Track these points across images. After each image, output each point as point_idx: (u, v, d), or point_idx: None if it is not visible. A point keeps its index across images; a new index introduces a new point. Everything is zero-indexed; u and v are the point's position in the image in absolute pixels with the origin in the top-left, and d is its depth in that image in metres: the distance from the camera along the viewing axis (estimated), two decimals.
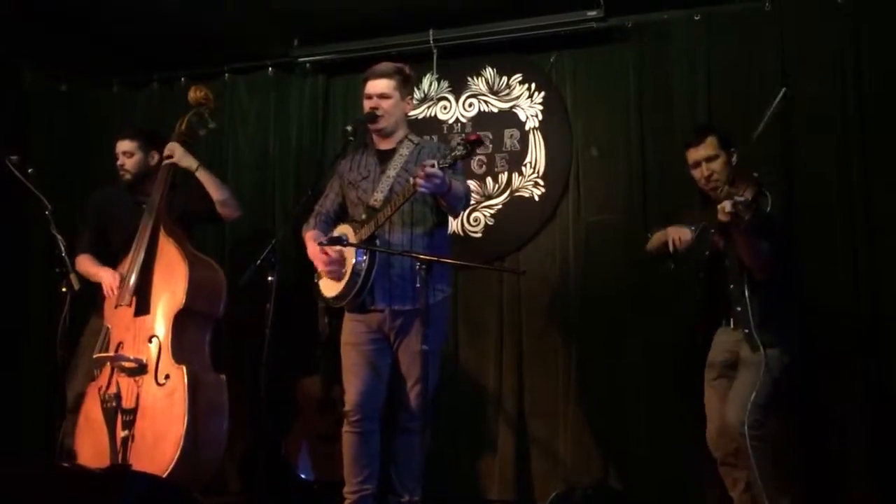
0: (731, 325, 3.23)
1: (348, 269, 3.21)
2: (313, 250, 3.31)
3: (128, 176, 3.88)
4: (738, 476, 3.20)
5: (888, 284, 3.63)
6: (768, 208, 3.04)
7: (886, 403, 3.57)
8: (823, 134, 3.79)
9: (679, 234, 3.18)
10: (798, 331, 3.21)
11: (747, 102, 3.84)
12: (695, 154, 3.27)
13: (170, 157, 3.75)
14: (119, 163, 3.89)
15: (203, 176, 3.78)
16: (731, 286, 3.18)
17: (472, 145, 2.96)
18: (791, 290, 3.22)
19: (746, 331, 3.12)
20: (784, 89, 3.15)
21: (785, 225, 3.20)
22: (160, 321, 3.48)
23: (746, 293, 3.11)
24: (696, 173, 3.29)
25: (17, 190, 3.71)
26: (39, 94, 4.93)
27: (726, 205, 2.89)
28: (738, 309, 3.16)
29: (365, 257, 3.18)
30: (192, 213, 3.83)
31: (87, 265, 3.77)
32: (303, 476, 4.00)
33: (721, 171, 3.21)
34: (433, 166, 2.97)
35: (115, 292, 3.57)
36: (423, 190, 3.00)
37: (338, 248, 3.24)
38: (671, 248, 3.17)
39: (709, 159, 3.23)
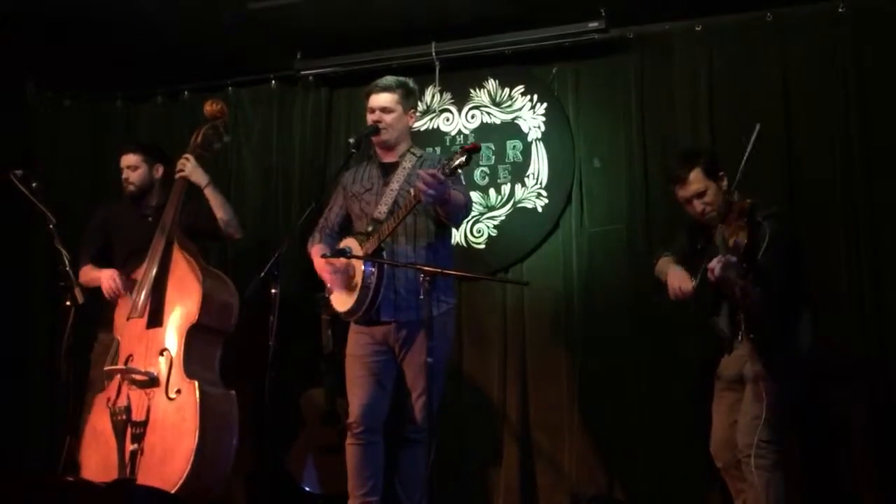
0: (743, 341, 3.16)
1: (358, 283, 3.21)
2: (319, 264, 3.32)
3: (132, 188, 3.91)
4: (741, 487, 3.18)
5: (893, 294, 3.63)
6: (764, 242, 2.90)
7: (892, 413, 3.56)
8: (826, 145, 3.79)
9: (680, 285, 3.08)
10: (804, 361, 3.09)
11: (749, 113, 3.85)
12: (683, 192, 3.14)
13: (181, 170, 3.75)
14: (124, 176, 3.92)
15: (210, 193, 3.80)
16: (738, 313, 3.11)
17: (470, 153, 2.96)
18: (799, 318, 3.09)
19: (754, 354, 3.06)
20: (758, 126, 2.94)
21: (789, 251, 3.05)
22: (172, 335, 3.48)
23: (750, 322, 3.04)
24: (689, 209, 3.17)
25: (22, 204, 3.72)
26: (43, 109, 4.96)
27: (716, 267, 2.78)
28: (752, 336, 3.07)
29: (373, 269, 3.19)
30: (197, 230, 3.84)
31: (89, 274, 3.79)
32: (307, 489, 3.99)
33: (714, 200, 3.10)
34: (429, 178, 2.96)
35: (117, 288, 3.58)
36: (426, 198, 3.00)
37: (344, 259, 3.25)
38: (676, 296, 3.08)
39: (699, 195, 3.10)
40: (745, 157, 2.90)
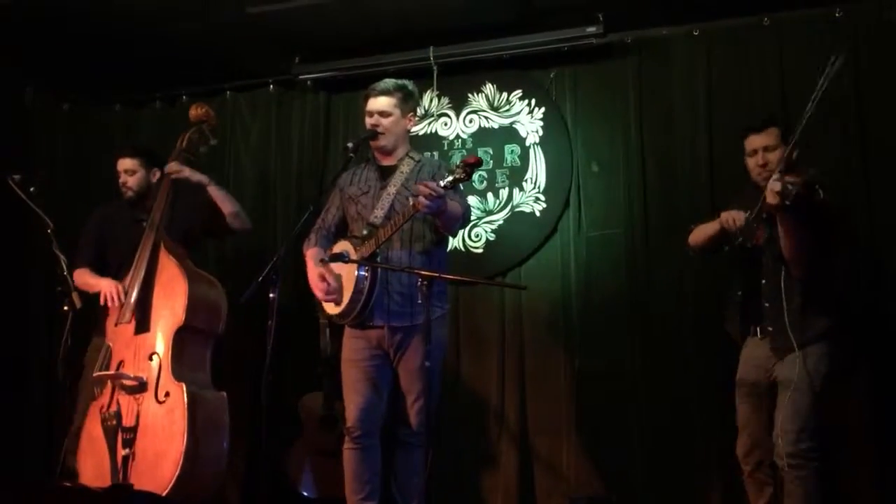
0: (759, 335, 3.19)
1: (350, 288, 3.21)
2: (313, 278, 3.31)
3: (130, 193, 3.91)
4: (766, 490, 3.18)
5: (891, 295, 3.63)
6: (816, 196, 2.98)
7: (890, 412, 3.55)
8: (824, 147, 3.79)
9: (733, 216, 3.15)
10: (838, 337, 3.12)
11: (747, 116, 3.85)
12: (755, 141, 3.25)
13: (178, 171, 3.73)
14: (121, 181, 3.92)
15: (214, 191, 3.79)
16: (764, 281, 3.16)
17: (471, 168, 2.97)
18: (834, 295, 3.15)
19: (772, 329, 3.09)
20: (836, 57, 2.99)
21: (833, 226, 3.13)
22: (160, 338, 3.48)
23: (782, 290, 3.08)
24: (752, 161, 3.26)
25: (19, 209, 3.72)
26: (42, 114, 4.96)
27: (775, 184, 2.86)
28: (767, 305, 3.13)
29: (366, 274, 3.18)
30: (198, 227, 3.83)
31: (85, 277, 3.77)
32: (305, 493, 3.99)
33: (775, 160, 3.16)
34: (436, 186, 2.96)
35: (115, 301, 3.58)
36: (424, 211, 3.01)
37: (337, 274, 3.25)
38: (728, 226, 3.14)
39: (767, 148, 3.21)
40: (822, 83, 2.97)
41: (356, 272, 3.18)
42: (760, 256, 3.20)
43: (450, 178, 2.96)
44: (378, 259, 3.19)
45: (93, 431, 3.45)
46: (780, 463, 3.04)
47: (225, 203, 3.79)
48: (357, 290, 3.18)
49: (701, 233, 3.35)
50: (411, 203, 3.06)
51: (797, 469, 3.00)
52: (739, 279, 3.28)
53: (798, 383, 3.01)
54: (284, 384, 4.25)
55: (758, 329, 3.20)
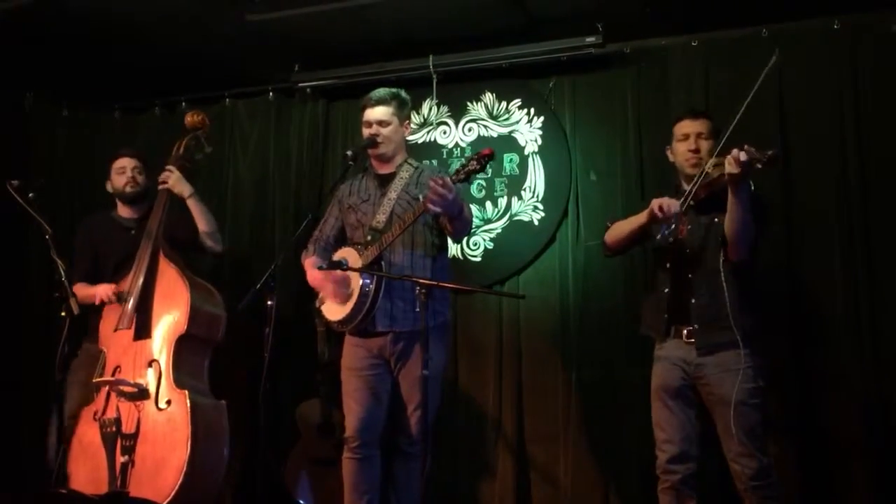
0: (684, 337, 3.08)
1: (356, 291, 3.20)
2: (314, 275, 3.31)
3: (138, 188, 3.95)
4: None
5: (888, 305, 3.63)
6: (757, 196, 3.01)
7: (890, 426, 3.55)
8: (822, 159, 3.80)
9: (666, 203, 2.96)
10: (765, 338, 3.07)
11: (744, 127, 3.85)
12: (689, 126, 3.17)
13: (165, 181, 3.81)
14: (129, 176, 3.95)
15: (193, 204, 3.84)
16: (690, 276, 3.06)
17: (485, 160, 2.96)
18: (755, 294, 3.07)
19: (698, 325, 3.01)
20: (777, 53, 3.00)
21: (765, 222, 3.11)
22: (161, 346, 3.48)
23: (710, 281, 2.99)
24: (682, 146, 3.16)
25: (18, 214, 3.72)
26: (41, 119, 4.96)
27: (739, 154, 2.76)
28: (694, 301, 3.03)
29: (371, 280, 3.18)
30: (176, 240, 3.85)
31: (84, 291, 3.78)
32: (301, 502, 3.98)
33: (706, 152, 3.11)
34: (445, 184, 2.93)
35: (112, 299, 3.60)
36: (433, 208, 2.99)
37: (341, 278, 3.24)
38: (660, 213, 2.96)
39: (700, 135, 3.15)
40: (759, 80, 2.96)
41: (361, 279, 3.18)
42: (684, 250, 3.10)
43: (465, 170, 2.96)
44: (381, 262, 3.19)
45: (85, 437, 3.45)
46: (743, 486, 2.98)
47: (201, 219, 3.85)
48: (363, 295, 3.18)
49: (624, 227, 3.23)
50: (421, 201, 3.05)
51: (763, 489, 2.95)
52: (665, 275, 3.15)
53: (740, 401, 2.93)
54: (282, 391, 4.25)
55: (683, 331, 3.08)
